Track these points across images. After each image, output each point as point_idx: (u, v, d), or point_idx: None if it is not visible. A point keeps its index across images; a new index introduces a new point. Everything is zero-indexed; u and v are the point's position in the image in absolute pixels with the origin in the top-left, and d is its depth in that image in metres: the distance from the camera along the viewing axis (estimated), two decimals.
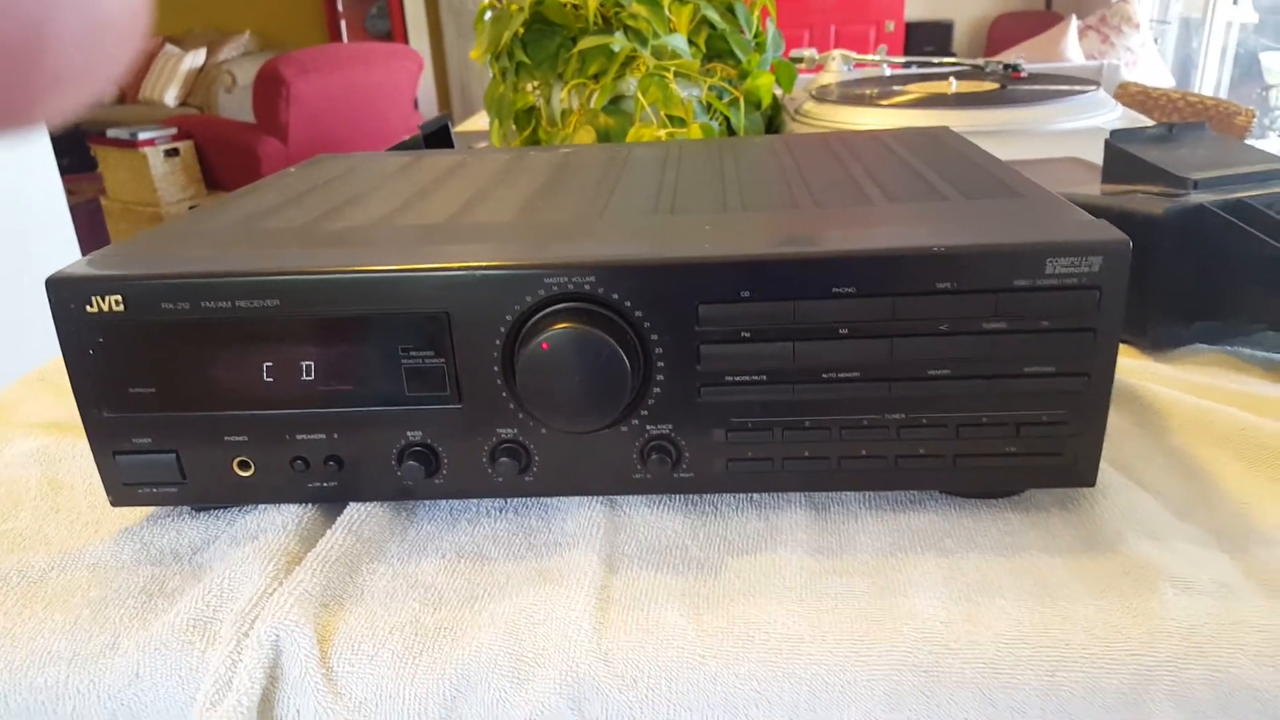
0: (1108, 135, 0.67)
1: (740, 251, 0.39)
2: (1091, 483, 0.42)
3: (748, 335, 0.40)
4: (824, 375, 0.40)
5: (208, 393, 0.42)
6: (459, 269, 0.39)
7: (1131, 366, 0.57)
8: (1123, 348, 0.60)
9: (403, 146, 0.78)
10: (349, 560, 0.41)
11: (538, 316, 0.39)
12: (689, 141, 0.67)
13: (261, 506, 0.45)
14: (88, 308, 0.40)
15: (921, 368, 0.40)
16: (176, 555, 0.43)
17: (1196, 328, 0.59)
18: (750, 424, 0.41)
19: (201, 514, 0.46)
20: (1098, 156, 0.82)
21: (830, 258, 0.38)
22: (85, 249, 1.56)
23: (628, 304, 0.39)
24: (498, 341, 0.40)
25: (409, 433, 0.42)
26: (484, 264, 0.39)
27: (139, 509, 0.46)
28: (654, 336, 0.40)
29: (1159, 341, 0.60)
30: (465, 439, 0.42)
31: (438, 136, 0.83)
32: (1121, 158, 0.66)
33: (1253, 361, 0.57)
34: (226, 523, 0.45)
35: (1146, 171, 0.63)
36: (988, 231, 0.39)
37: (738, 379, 0.41)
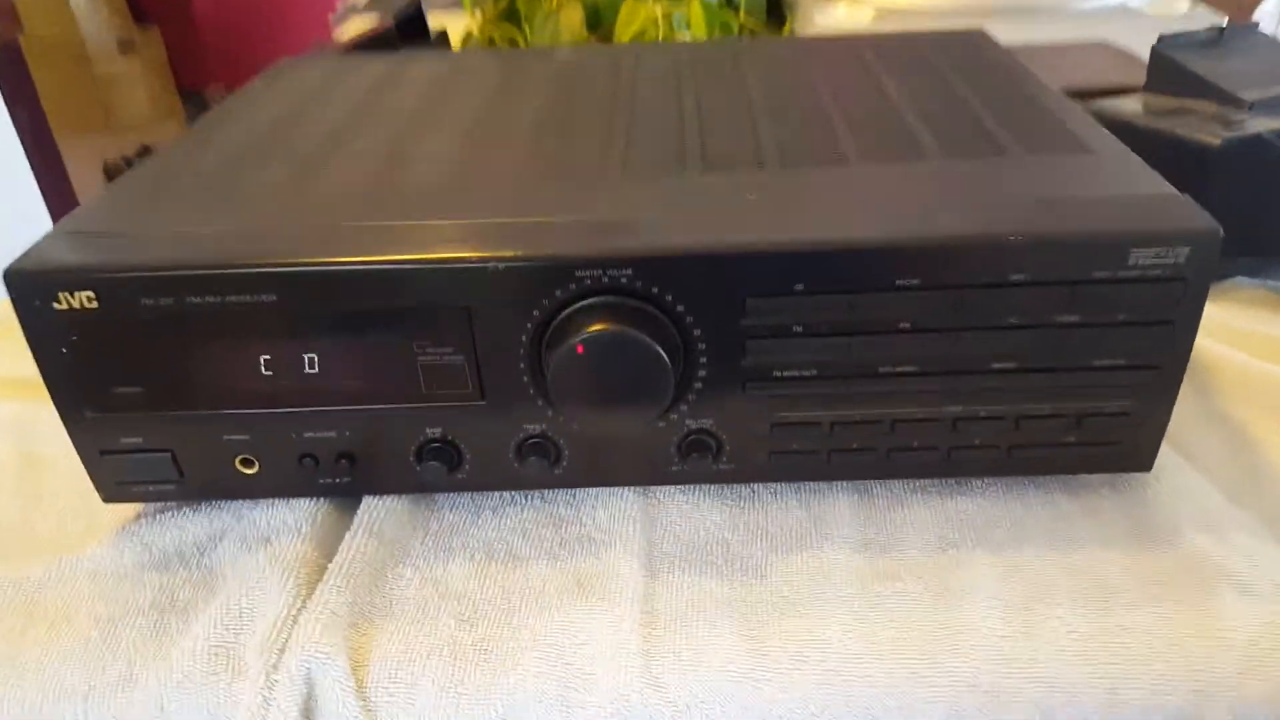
0: (1155, 39, 0.62)
1: (793, 239, 0.35)
2: (1148, 468, 0.40)
3: (799, 329, 0.36)
4: (880, 369, 0.37)
5: (201, 390, 0.38)
6: (479, 259, 0.35)
7: None
8: None
9: (377, 41, 0.71)
10: (373, 567, 0.38)
11: (569, 311, 0.36)
12: (699, 47, 0.61)
13: (269, 500, 0.42)
14: (55, 304, 0.35)
15: (985, 361, 0.37)
16: (182, 557, 0.40)
17: (1240, 261, 0.57)
18: (797, 418, 0.39)
19: (204, 503, 0.43)
20: (1131, 41, 0.77)
21: (894, 247, 0.35)
22: (10, 100, 1.44)
23: (668, 298, 0.35)
24: (524, 337, 0.36)
25: (428, 429, 0.39)
26: (508, 255, 0.35)
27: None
28: (696, 331, 0.36)
29: None
30: (489, 435, 0.39)
31: (411, 24, 0.75)
32: (1168, 67, 0.61)
33: None
34: (233, 516, 0.42)
35: (1196, 85, 0.59)
36: (1066, 214, 0.35)
37: (786, 374, 0.37)
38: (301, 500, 0.41)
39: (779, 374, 0.37)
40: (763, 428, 0.39)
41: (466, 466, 0.40)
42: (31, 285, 0.35)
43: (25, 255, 0.36)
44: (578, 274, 0.35)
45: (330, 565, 0.38)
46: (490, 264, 0.35)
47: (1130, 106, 0.60)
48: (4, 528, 0.42)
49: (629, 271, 0.35)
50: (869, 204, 0.37)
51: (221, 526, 0.41)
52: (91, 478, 0.40)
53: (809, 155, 0.43)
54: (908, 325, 0.36)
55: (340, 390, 0.38)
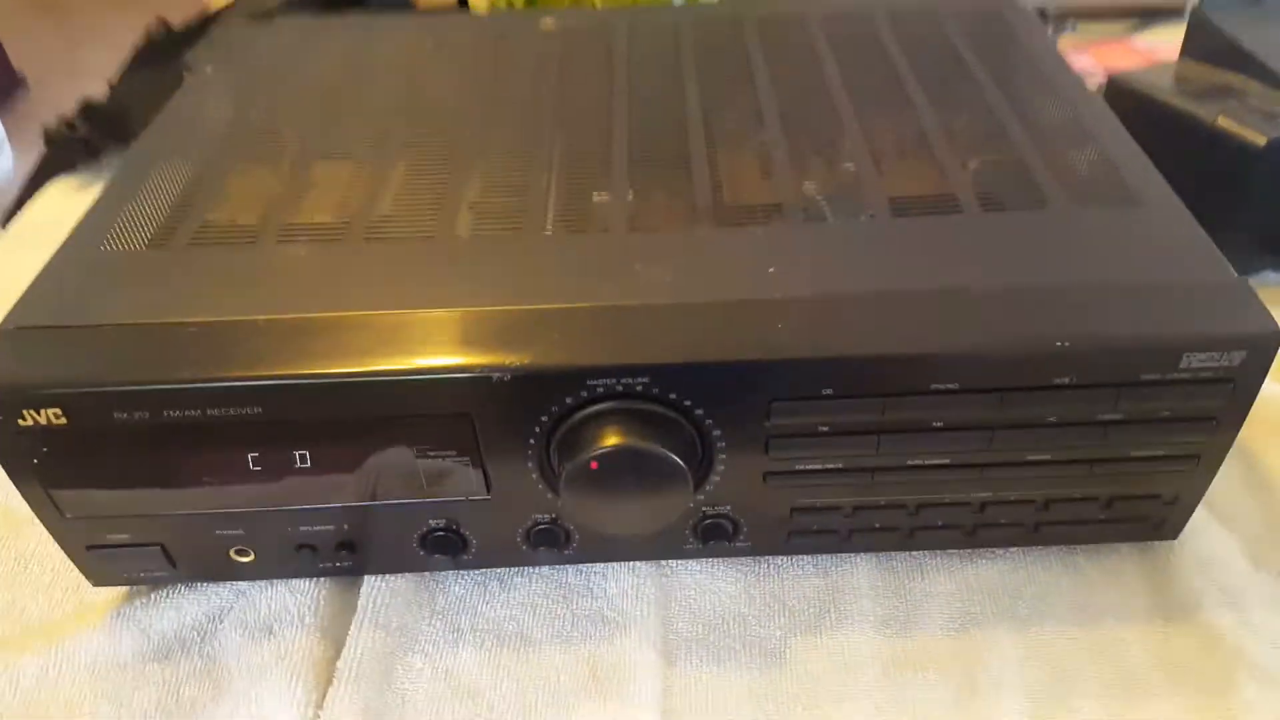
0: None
1: (822, 347, 0.32)
2: (1174, 537, 0.39)
3: (826, 429, 0.34)
4: (909, 464, 0.35)
5: (187, 490, 0.36)
6: (480, 369, 0.32)
7: None
8: None
9: None
10: (382, 662, 0.37)
11: (581, 416, 0.33)
12: (696, 11, 0.55)
13: (268, 580, 0.40)
14: (20, 421, 0.33)
15: (1019, 454, 0.35)
16: (183, 644, 0.39)
17: (1270, 258, 0.54)
18: (819, 504, 0.37)
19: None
20: None
21: (931, 357, 0.32)
22: None
23: (686, 402, 0.33)
24: (531, 440, 0.34)
25: (431, 520, 0.37)
26: (511, 363, 0.32)
27: None
28: (716, 432, 0.34)
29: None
30: (496, 524, 0.37)
31: None
32: (1208, 33, 0.56)
33: None
34: (232, 592, 0.40)
35: (1237, 58, 0.54)
36: (1116, 311, 0.33)
37: (810, 468, 0.35)
38: (301, 581, 0.40)
39: (803, 468, 0.35)
40: (782, 512, 0.37)
41: (473, 551, 0.38)
42: None
43: None
44: (589, 383, 0.32)
45: (339, 664, 0.37)
46: (493, 374, 0.32)
47: (1163, 81, 0.56)
48: None
49: (645, 379, 0.32)
50: (902, 292, 0.34)
51: (220, 604, 0.40)
52: (78, 567, 0.38)
53: (829, 200, 0.39)
54: (941, 424, 0.34)
55: (336, 487, 0.36)
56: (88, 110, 0.68)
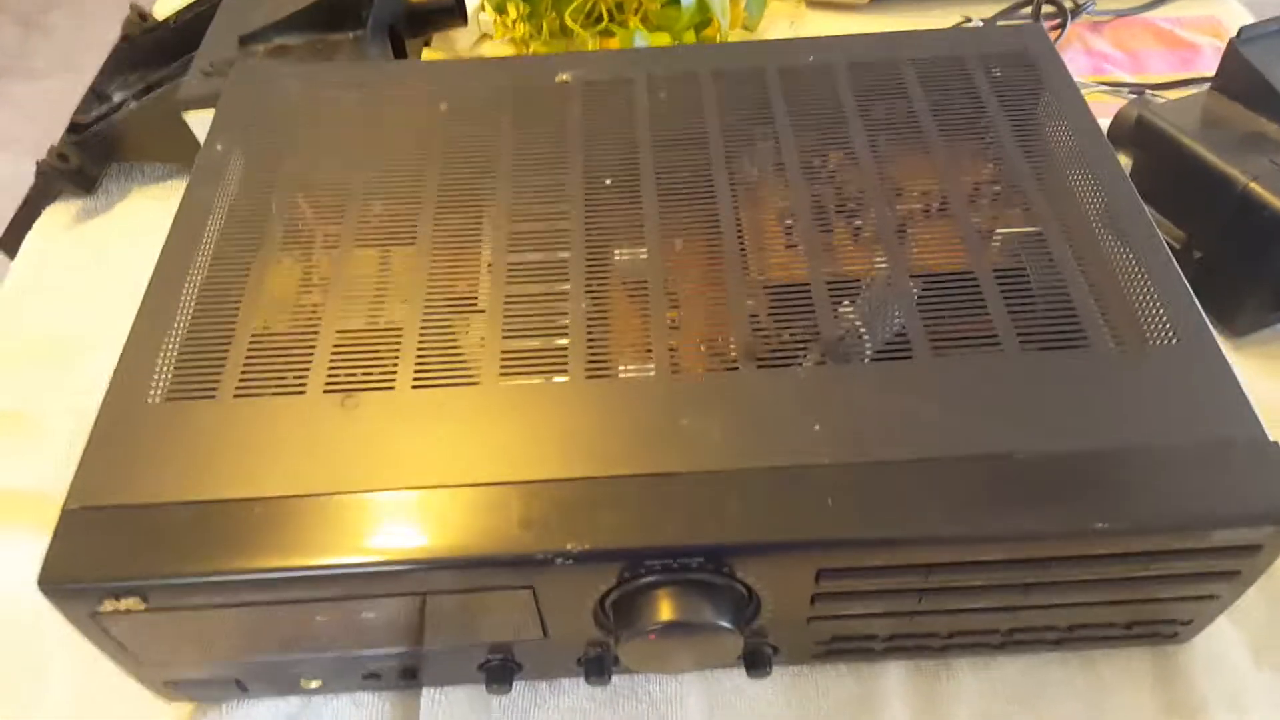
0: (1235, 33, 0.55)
1: (871, 530, 0.33)
2: (1184, 641, 0.41)
3: (870, 589, 0.36)
4: (948, 609, 0.37)
5: (261, 644, 0.37)
6: (542, 554, 0.33)
7: None
8: None
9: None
10: None
11: (638, 585, 0.34)
12: (716, 59, 0.53)
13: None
14: (100, 609, 0.34)
15: (1051, 600, 0.37)
16: None
17: None
18: (857, 633, 0.39)
19: None
20: None
21: (976, 537, 0.33)
22: None
23: (739, 575, 0.34)
24: (589, 604, 0.35)
25: (489, 654, 0.39)
26: (572, 550, 0.33)
27: None
28: (764, 594, 0.35)
29: (1245, 328, 0.55)
30: (551, 654, 0.39)
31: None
32: (1242, 69, 0.55)
33: None
34: (300, 702, 0.42)
35: (1269, 101, 0.53)
36: (1153, 489, 0.34)
37: (852, 614, 0.37)
38: (365, 695, 0.42)
39: (844, 614, 0.37)
40: (822, 638, 0.39)
41: (527, 669, 0.40)
42: (71, 598, 0.33)
43: (56, 556, 0.34)
44: (646, 563, 0.34)
45: None
46: (555, 559, 0.33)
47: (1191, 120, 0.55)
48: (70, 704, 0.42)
49: (700, 559, 0.34)
50: (946, 460, 0.35)
51: (287, 713, 0.42)
52: (153, 691, 0.40)
53: (867, 323, 0.39)
54: (981, 584, 0.35)
55: (401, 639, 0.37)
56: (77, 133, 0.66)
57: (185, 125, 0.64)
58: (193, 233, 0.45)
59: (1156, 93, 0.70)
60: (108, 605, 0.33)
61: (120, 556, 0.34)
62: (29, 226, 0.69)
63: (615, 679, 0.42)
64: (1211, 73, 0.78)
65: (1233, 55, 0.55)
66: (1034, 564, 0.34)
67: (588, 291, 0.42)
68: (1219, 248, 0.53)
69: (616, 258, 0.43)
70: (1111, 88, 0.73)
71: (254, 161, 0.49)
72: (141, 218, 0.68)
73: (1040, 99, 0.50)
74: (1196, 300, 0.39)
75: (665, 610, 0.34)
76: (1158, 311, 0.39)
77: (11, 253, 0.68)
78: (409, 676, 0.40)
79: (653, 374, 0.38)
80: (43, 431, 0.55)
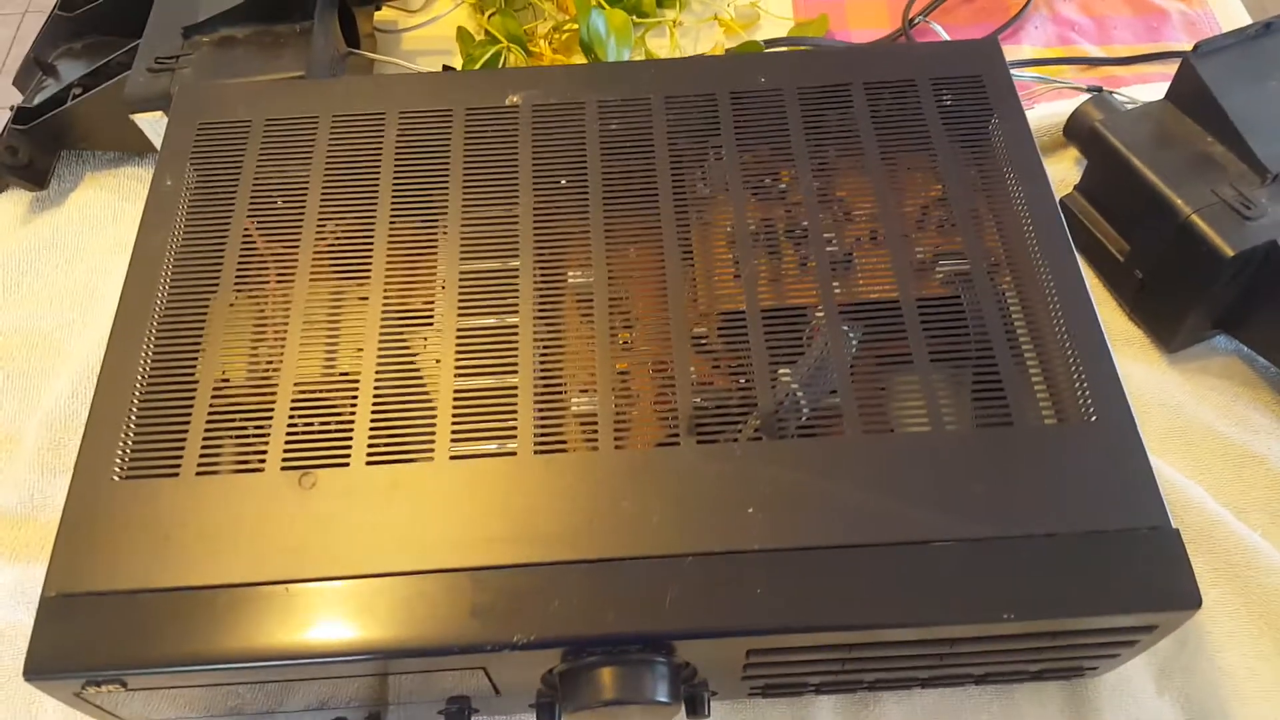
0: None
1: (796, 620, 0.36)
2: (1093, 678, 0.45)
3: (797, 660, 0.39)
4: (871, 669, 0.40)
5: (234, 707, 0.40)
6: (490, 644, 0.36)
7: (1145, 383, 0.55)
8: (1139, 344, 0.57)
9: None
10: None
11: (581, 663, 0.37)
12: (666, 81, 0.52)
13: None
14: (84, 695, 0.36)
15: (967, 663, 0.40)
16: None
17: (1219, 329, 0.56)
18: (787, 684, 0.42)
19: None
20: None
21: (892, 626, 0.36)
22: None
23: (675, 656, 0.37)
24: (537, 675, 0.38)
25: (448, 703, 0.42)
26: (519, 640, 0.36)
27: None
28: (699, 664, 0.38)
29: (1179, 344, 0.57)
30: (504, 703, 0.42)
31: None
32: (1197, 88, 0.55)
33: (1266, 376, 0.56)
34: None
35: (1219, 124, 0.53)
36: (1059, 578, 0.36)
37: (782, 676, 0.40)
38: None
39: (775, 676, 0.40)
40: (756, 687, 0.42)
41: (482, 713, 0.43)
42: (55, 685, 0.36)
43: (38, 647, 0.36)
44: (588, 650, 0.36)
45: None
46: (504, 648, 0.36)
47: (1142, 135, 0.55)
48: None
49: (639, 645, 0.36)
50: (868, 547, 0.37)
51: None
52: None
53: (804, 388, 0.41)
54: (900, 654, 0.38)
55: (363, 698, 0.40)
56: (23, 123, 0.65)
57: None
58: (147, 285, 0.45)
59: (1116, 86, 0.69)
60: (90, 691, 0.36)
61: (97, 648, 0.36)
62: None
63: None
64: (1178, 44, 0.78)
65: (1187, 71, 0.55)
66: (949, 642, 0.37)
67: (539, 358, 0.43)
68: (1159, 268, 0.55)
69: (571, 279, 0.45)
70: (1075, 69, 0.72)
71: (203, 199, 0.48)
72: (95, 208, 0.67)
73: (991, 130, 0.50)
74: (1120, 374, 0.41)
75: (607, 688, 0.37)
76: (1082, 386, 0.41)
77: None
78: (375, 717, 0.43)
79: (598, 449, 0.40)
80: (11, 444, 0.57)
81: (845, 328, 0.44)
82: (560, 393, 0.42)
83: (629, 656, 0.37)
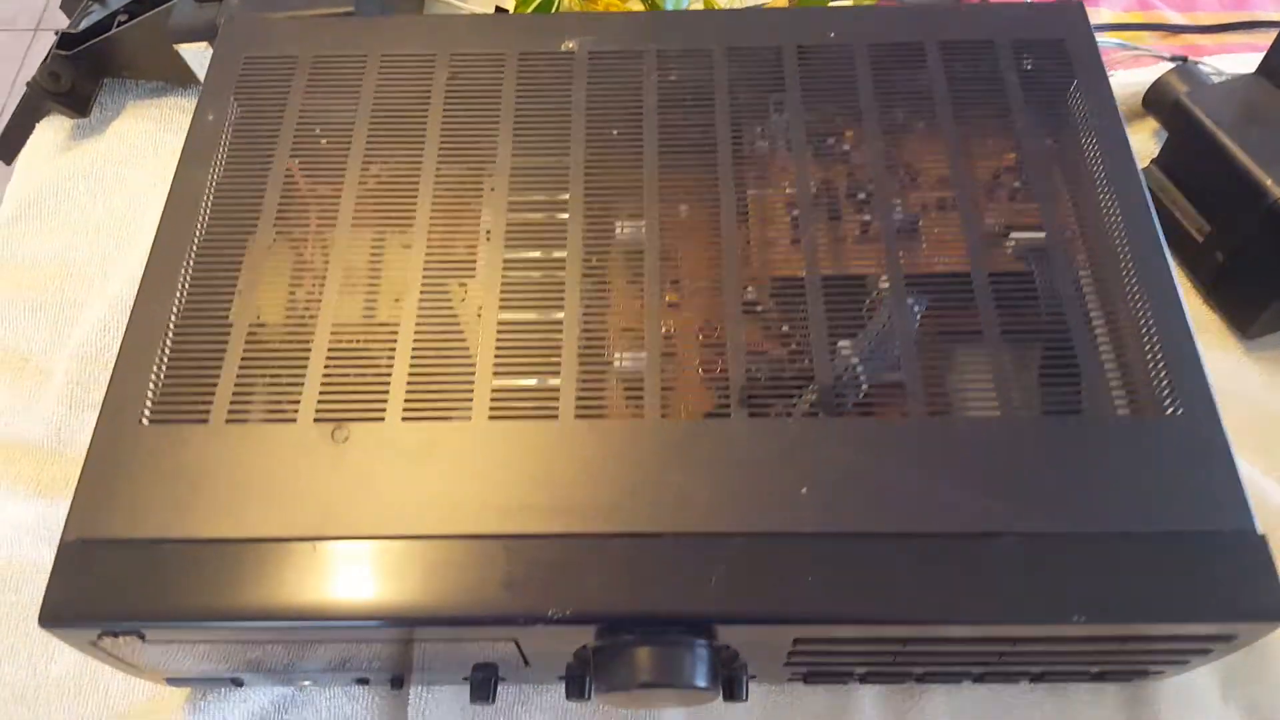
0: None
1: (846, 611, 0.34)
2: (1157, 681, 0.43)
3: (845, 651, 0.36)
4: (922, 665, 0.38)
5: (254, 664, 0.39)
6: (523, 616, 0.34)
7: (1220, 372, 0.52)
8: (1214, 330, 0.54)
9: None
10: None
11: (615, 642, 0.35)
12: (731, 32, 0.49)
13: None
14: (101, 644, 0.35)
15: (1026, 662, 0.38)
16: None
17: None
18: (833, 672, 0.40)
19: None
20: None
21: (950, 622, 0.34)
22: None
23: (716, 640, 0.35)
24: (570, 650, 0.37)
25: (474, 670, 0.40)
26: (553, 614, 0.34)
27: None
28: (741, 650, 0.36)
29: (1258, 331, 0.53)
30: (533, 674, 0.41)
31: None
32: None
33: None
34: (294, 689, 0.44)
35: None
36: (1135, 579, 0.34)
37: (828, 666, 0.38)
38: (357, 690, 0.44)
39: (820, 666, 0.38)
40: (798, 674, 0.40)
41: (510, 680, 0.42)
42: (71, 632, 0.35)
43: (55, 593, 0.34)
44: (625, 628, 0.34)
45: None
46: (536, 623, 0.34)
47: (1229, 112, 0.52)
48: (79, 688, 0.45)
49: (679, 627, 0.34)
50: (931, 536, 0.35)
51: (283, 697, 0.44)
52: (152, 683, 0.42)
53: (865, 364, 0.39)
54: (955, 651, 0.36)
55: (391, 664, 0.39)
56: (67, 48, 0.63)
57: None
58: (184, 221, 0.44)
59: (1199, 55, 0.65)
60: (107, 641, 0.35)
61: (115, 597, 0.34)
62: (22, 141, 0.67)
63: None
64: (1267, 14, 0.73)
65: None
66: (1010, 641, 0.35)
67: (584, 299, 0.41)
68: (1242, 251, 0.51)
69: (619, 232, 0.43)
70: (1157, 36, 0.68)
71: (246, 136, 0.46)
72: (135, 138, 0.65)
73: (1072, 100, 0.46)
74: (1206, 369, 0.38)
75: (642, 670, 0.35)
76: (1163, 377, 0.38)
77: (9, 160, 0.66)
78: (396, 684, 0.42)
79: (644, 417, 0.38)
80: (44, 375, 0.56)
81: (910, 300, 0.41)
82: (605, 356, 0.40)
83: (668, 638, 0.35)
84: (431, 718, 0.43)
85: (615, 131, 0.46)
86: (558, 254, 0.42)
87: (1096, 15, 0.71)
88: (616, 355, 0.40)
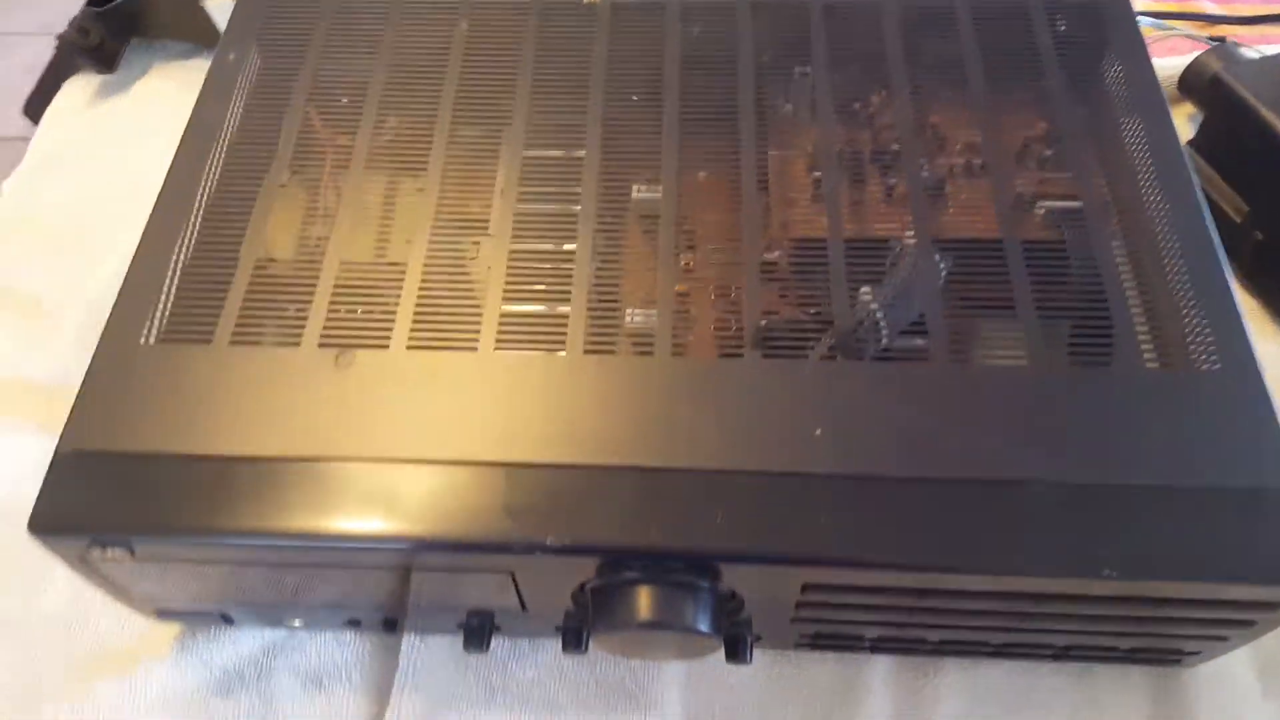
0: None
1: (859, 553, 0.32)
2: (1190, 667, 0.40)
3: (856, 603, 0.35)
4: (939, 624, 0.36)
5: (245, 591, 0.38)
6: (521, 543, 0.33)
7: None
8: (1252, 314, 0.52)
9: None
10: None
11: (615, 579, 0.34)
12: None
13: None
14: (89, 557, 0.34)
15: (1048, 628, 0.36)
16: (242, 680, 0.42)
17: None
18: (842, 632, 0.38)
19: None
20: None
21: (971, 571, 0.32)
22: None
23: (722, 580, 0.33)
24: (568, 590, 0.35)
25: (469, 616, 0.39)
26: (549, 543, 0.32)
27: None
28: (746, 596, 0.35)
29: None
30: (530, 623, 0.39)
31: None
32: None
33: None
34: (286, 632, 0.43)
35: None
36: (1169, 533, 0.32)
37: (838, 620, 0.37)
38: (348, 634, 0.43)
39: (830, 620, 0.36)
40: (806, 634, 0.39)
41: (505, 630, 0.40)
42: (60, 542, 0.34)
43: (46, 501, 0.33)
44: (626, 564, 0.33)
45: None
46: (534, 550, 0.32)
47: (1271, 80, 0.50)
48: (70, 621, 0.44)
49: (679, 564, 0.33)
50: (953, 482, 0.33)
51: (274, 641, 0.43)
52: (144, 615, 0.41)
53: (885, 313, 0.37)
54: (974, 609, 0.34)
55: (383, 597, 0.37)
56: (99, 2, 0.63)
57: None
58: (199, 155, 0.43)
59: (1240, 39, 0.63)
60: (95, 554, 0.34)
61: (107, 508, 0.33)
62: (50, 99, 0.67)
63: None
64: None
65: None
66: (1033, 598, 0.33)
67: (597, 253, 0.39)
68: None
69: (635, 194, 0.41)
70: (1193, 26, 0.66)
71: (266, 77, 0.46)
72: (160, 98, 0.66)
73: (1106, 64, 0.45)
74: (1247, 325, 0.36)
75: (643, 609, 0.33)
76: (1203, 330, 0.36)
77: (36, 119, 0.67)
78: (389, 627, 0.40)
79: (654, 353, 0.37)
80: (56, 320, 0.55)
81: (936, 256, 0.40)
82: (616, 295, 0.39)
83: (670, 577, 0.33)
84: (423, 668, 0.42)
85: (634, 97, 0.45)
86: (572, 204, 0.41)
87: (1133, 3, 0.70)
88: (629, 311, 0.38)
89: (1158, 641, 0.37)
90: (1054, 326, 0.37)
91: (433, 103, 0.45)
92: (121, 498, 0.34)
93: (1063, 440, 0.34)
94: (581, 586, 0.35)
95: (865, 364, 0.36)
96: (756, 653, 0.42)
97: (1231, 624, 0.34)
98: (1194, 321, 0.36)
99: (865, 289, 0.38)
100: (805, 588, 0.34)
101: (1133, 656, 0.39)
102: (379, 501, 0.33)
